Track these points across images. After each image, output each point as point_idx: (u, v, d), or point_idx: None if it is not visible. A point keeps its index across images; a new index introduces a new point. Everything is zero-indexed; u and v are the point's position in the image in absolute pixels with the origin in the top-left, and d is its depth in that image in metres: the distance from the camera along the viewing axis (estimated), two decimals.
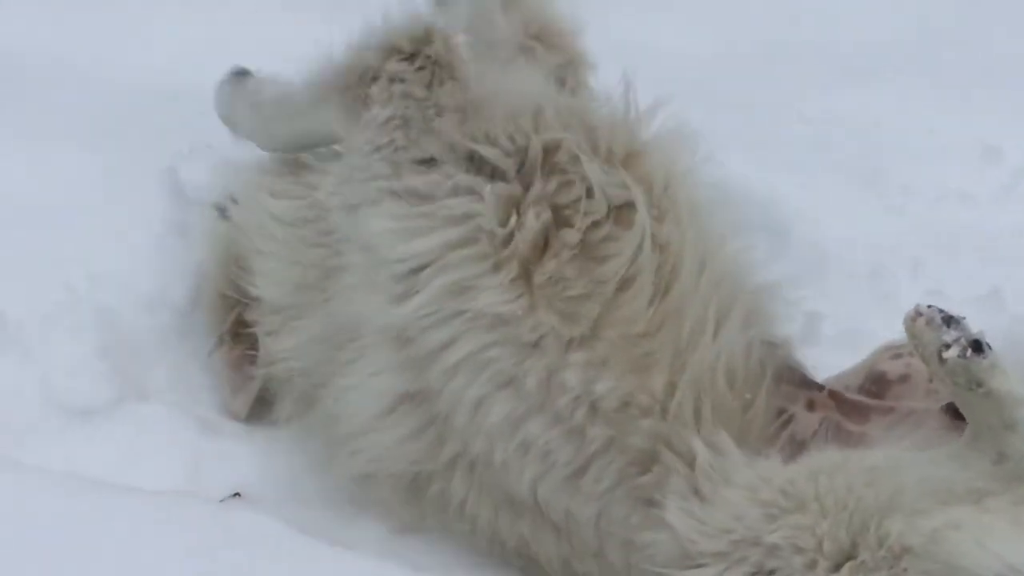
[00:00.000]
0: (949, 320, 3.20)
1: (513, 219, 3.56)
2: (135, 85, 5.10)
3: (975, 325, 3.62)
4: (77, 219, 4.36)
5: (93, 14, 5.68)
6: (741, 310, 3.68)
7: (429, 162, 3.72)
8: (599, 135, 3.71)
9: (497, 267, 3.54)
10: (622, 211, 3.61)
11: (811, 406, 3.63)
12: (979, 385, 3.18)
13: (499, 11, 4.38)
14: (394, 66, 3.83)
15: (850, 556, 3.18)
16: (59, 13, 5.67)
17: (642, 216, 3.59)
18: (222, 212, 4.28)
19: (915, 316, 3.25)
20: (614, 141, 3.72)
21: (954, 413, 3.41)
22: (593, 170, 3.60)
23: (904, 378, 3.68)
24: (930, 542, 3.13)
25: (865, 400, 3.64)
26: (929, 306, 3.25)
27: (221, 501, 3.63)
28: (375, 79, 3.83)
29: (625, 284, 3.55)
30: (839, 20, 6.04)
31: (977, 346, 3.17)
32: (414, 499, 3.73)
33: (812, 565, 3.18)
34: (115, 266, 4.23)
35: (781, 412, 3.65)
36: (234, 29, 5.51)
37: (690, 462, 3.42)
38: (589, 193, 3.60)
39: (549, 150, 3.65)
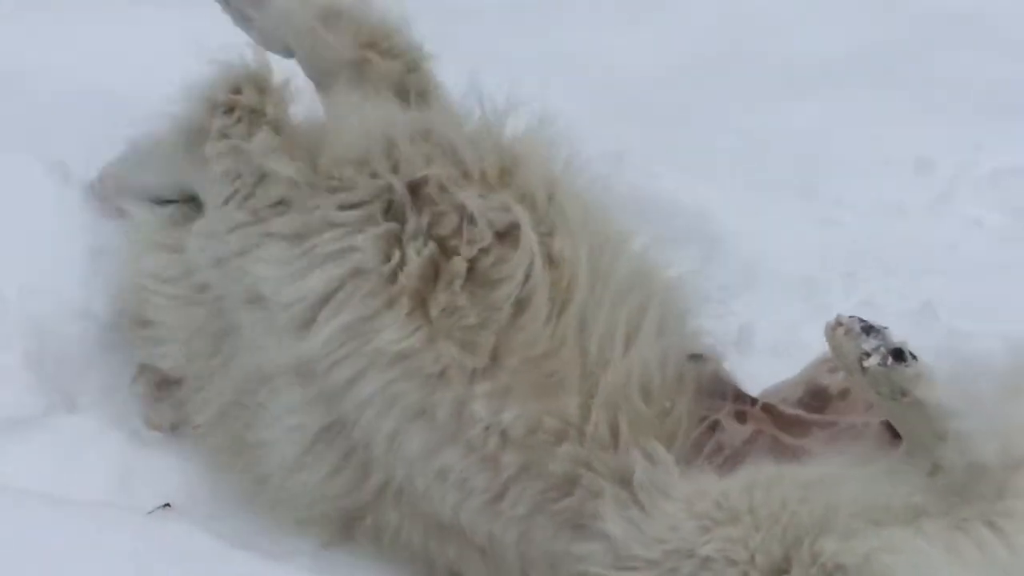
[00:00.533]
0: (869, 329, 3.22)
1: (396, 255, 3.57)
2: (59, 92, 5.06)
3: (907, 336, 3.67)
4: (5, 228, 4.30)
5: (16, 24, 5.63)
6: (654, 317, 3.67)
7: (281, 204, 3.75)
8: (466, 158, 3.70)
9: (390, 303, 3.55)
10: (508, 233, 3.61)
11: (741, 418, 3.62)
12: (903, 394, 3.19)
13: (321, 29, 4.30)
14: (218, 121, 3.84)
15: (782, 571, 3.19)
16: None
17: (527, 235, 3.58)
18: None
19: (835, 326, 3.27)
20: (483, 161, 3.71)
21: (893, 428, 3.43)
22: (469, 198, 3.60)
23: (844, 393, 3.67)
24: (864, 563, 3.14)
25: (803, 414, 3.64)
26: (850, 316, 3.27)
27: (150, 512, 3.59)
28: (206, 137, 3.85)
29: (520, 306, 3.55)
30: (774, 35, 6.09)
31: (899, 354, 3.18)
32: (348, 535, 3.74)
33: (748, 567, 3.22)
34: (44, 276, 4.19)
35: (712, 425, 3.62)
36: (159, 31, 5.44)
37: (619, 479, 3.41)
38: (470, 220, 3.60)
39: (415, 186, 3.65)
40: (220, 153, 3.80)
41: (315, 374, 3.63)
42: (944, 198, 4.97)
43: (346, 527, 3.74)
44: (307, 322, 3.62)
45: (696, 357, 3.70)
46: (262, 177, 3.74)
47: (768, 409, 3.63)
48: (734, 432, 3.58)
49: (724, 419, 3.59)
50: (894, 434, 3.42)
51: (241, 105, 3.83)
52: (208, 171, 3.86)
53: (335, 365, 3.58)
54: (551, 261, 3.60)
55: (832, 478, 3.31)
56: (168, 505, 3.65)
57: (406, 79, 4.25)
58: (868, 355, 3.21)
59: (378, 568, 3.70)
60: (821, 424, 3.59)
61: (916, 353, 3.20)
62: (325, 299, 3.58)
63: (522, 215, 3.59)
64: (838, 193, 4.98)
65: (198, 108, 3.91)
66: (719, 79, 5.71)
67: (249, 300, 3.73)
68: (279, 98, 3.89)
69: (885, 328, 3.25)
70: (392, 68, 4.19)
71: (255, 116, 3.81)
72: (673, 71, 5.78)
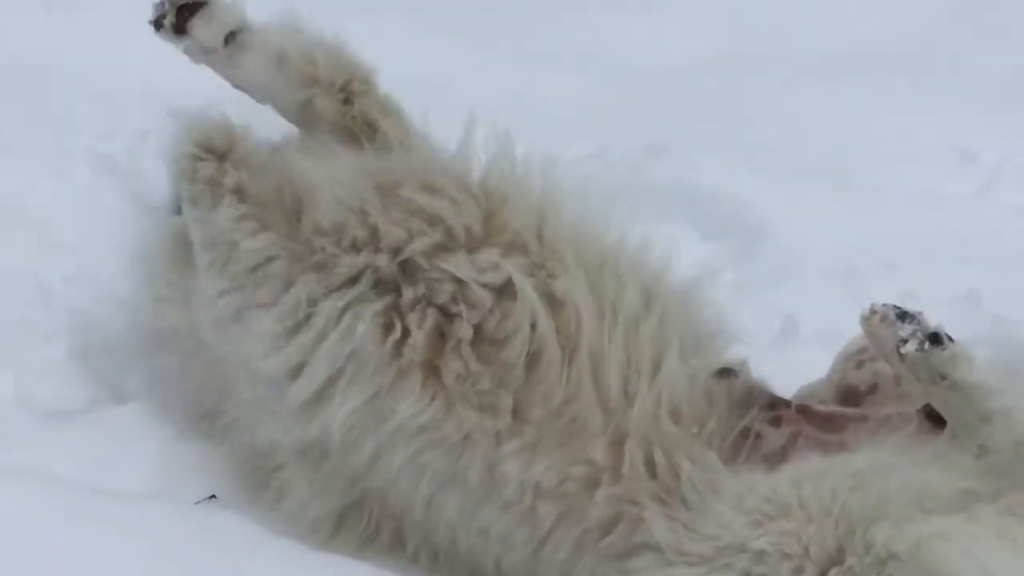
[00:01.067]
0: (904, 315, 3.24)
1: (397, 328, 3.52)
2: (105, 86, 5.16)
3: (950, 325, 3.67)
4: (51, 221, 4.37)
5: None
6: (672, 342, 3.64)
7: (259, 270, 3.68)
8: (446, 218, 3.61)
9: (401, 376, 3.50)
10: (505, 288, 3.56)
11: (776, 423, 3.60)
12: (943, 378, 3.20)
13: (276, 75, 4.18)
14: (184, 188, 3.79)
15: (837, 562, 3.18)
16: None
17: (523, 287, 3.55)
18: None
19: (870, 314, 3.29)
20: (465, 216, 3.63)
21: (930, 414, 3.42)
22: (458, 266, 3.55)
23: (873, 387, 3.69)
24: (916, 550, 3.13)
25: (838, 410, 3.62)
26: (884, 304, 3.29)
27: (197, 503, 3.62)
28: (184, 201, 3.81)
29: (534, 359, 3.53)
30: (811, 26, 6.10)
31: (935, 338, 3.19)
32: None
33: (799, 570, 3.20)
34: (90, 269, 4.23)
35: (746, 433, 3.60)
36: None
37: (660, 500, 3.41)
38: (464, 286, 3.55)
39: (401, 260, 3.59)
40: (193, 220, 3.77)
41: (328, 455, 3.60)
42: (985, 187, 4.98)
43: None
44: (313, 404, 3.57)
45: (724, 372, 3.67)
46: (233, 245, 3.67)
47: (802, 410, 3.62)
48: (772, 437, 3.58)
49: (760, 427, 3.59)
50: (932, 422, 3.42)
51: (200, 174, 3.75)
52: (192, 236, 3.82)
53: (353, 446, 3.57)
54: (554, 304, 3.59)
55: (881, 466, 3.30)
56: (214, 496, 3.66)
57: (346, 116, 4.14)
58: (905, 341, 3.22)
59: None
60: (856, 418, 3.58)
61: (953, 336, 3.21)
62: (332, 380, 3.54)
63: (512, 269, 3.55)
64: (877, 182, 4.99)
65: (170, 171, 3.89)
66: (749, 72, 5.75)
67: (245, 372, 3.68)
68: (240, 156, 3.80)
69: (920, 313, 3.26)
70: (330, 106, 4.09)
71: (215, 186, 3.73)
72: (705, 65, 5.80)
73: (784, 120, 5.31)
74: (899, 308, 3.25)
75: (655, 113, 5.13)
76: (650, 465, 3.44)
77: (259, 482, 3.73)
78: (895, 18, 6.17)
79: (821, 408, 3.60)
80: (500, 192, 3.69)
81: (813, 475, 3.32)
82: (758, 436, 3.53)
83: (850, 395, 3.70)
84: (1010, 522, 3.26)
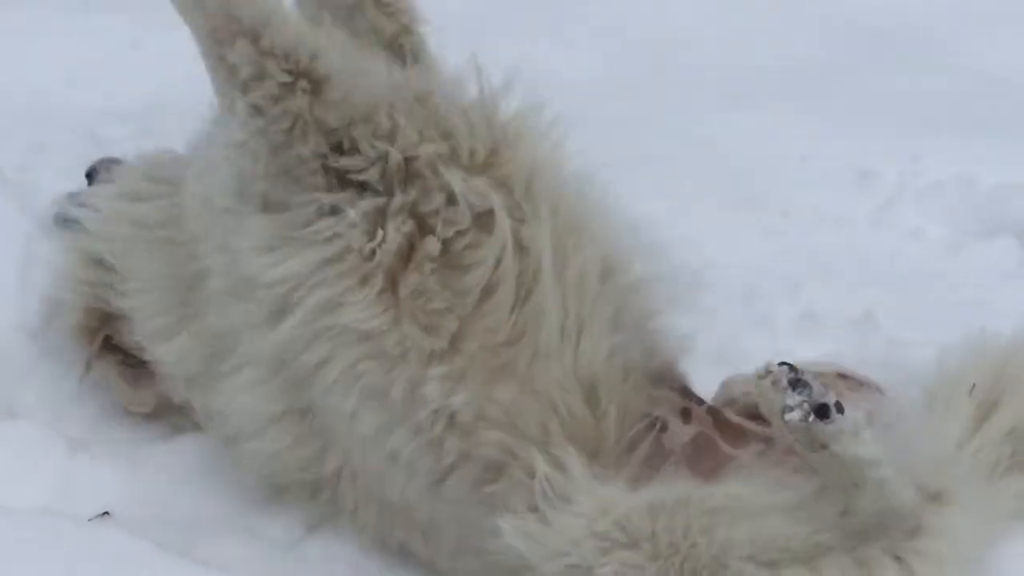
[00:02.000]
0: (796, 383, 3.19)
1: (379, 233, 3.52)
2: None
3: (848, 346, 3.69)
4: None
5: None
6: (606, 313, 3.65)
7: (288, 177, 3.65)
8: (458, 135, 3.64)
9: (364, 281, 3.51)
10: (483, 217, 3.57)
11: (686, 417, 3.61)
12: (822, 447, 3.19)
13: None
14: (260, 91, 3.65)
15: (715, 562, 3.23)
16: None
17: (502, 222, 3.57)
18: (65, 223, 4.24)
19: (763, 375, 3.24)
20: (474, 140, 3.66)
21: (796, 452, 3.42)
22: (455, 179, 3.56)
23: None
24: None
25: (745, 424, 3.61)
26: (781, 363, 3.24)
27: (90, 520, 3.60)
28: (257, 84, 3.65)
29: (487, 293, 3.54)
30: (716, 49, 6.12)
31: (822, 411, 3.16)
32: (312, 501, 3.79)
33: None
34: None
35: (654, 419, 3.61)
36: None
37: (533, 476, 3.44)
38: (451, 201, 3.57)
39: (409, 159, 3.58)
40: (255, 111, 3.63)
41: (283, 362, 3.64)
42: (884, 209, 5.01)
43: (310, 492, 3.79)
44: (279, 308, 3.61)
45: (652, 349, 3.71)
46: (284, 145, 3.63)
47: (713, 413, 3.63)
48: (677, 431, 3.58)
49: (670, 416, 3.59)
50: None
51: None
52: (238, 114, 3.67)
53: (304, 349, 3.58)
54: (520, 248, 3.59)
55: (738, 509, 3.31)
56: (107, 513, 3.65)
57: (402, 39, 4.12)
58: (791, 409, 3.18)
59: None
60: (759, 437, 3.57)
61: (843, 406, 3.20)
62: (301, 283, 3.56)
63: (497, 202, 3.57)
64: (782, 205, 4.99)
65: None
66: (659, 92, 5.73)
67: (231, 259, 3.70)
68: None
69: (814, 380, 3.22)
70: (388, 26, 4.07)
71: (301, 121, 3.64)
72: (614, 84, 5.81)
73: (694, 143, 5.32)
74: (793, 374, 3.21)
75: (586, 137, 5.12)
76: (544, 430, 3.49)
77: (214, 366, 3.79)
78: (800, 46, 6.24)
79: (732, 418, 3.61)
80: (513, 134, 3.71)
81: (671, 506, 3.31)
82: (663, 427, 3.55)
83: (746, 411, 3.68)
84: (857, 573, 3.31)
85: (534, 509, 3.36)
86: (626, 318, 3.72)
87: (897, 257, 4.75)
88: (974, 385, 3.80)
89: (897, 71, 5.92)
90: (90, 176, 4.56)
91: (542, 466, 3.41)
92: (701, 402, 3.68)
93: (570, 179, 3.84)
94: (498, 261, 3.55)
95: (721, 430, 3.60)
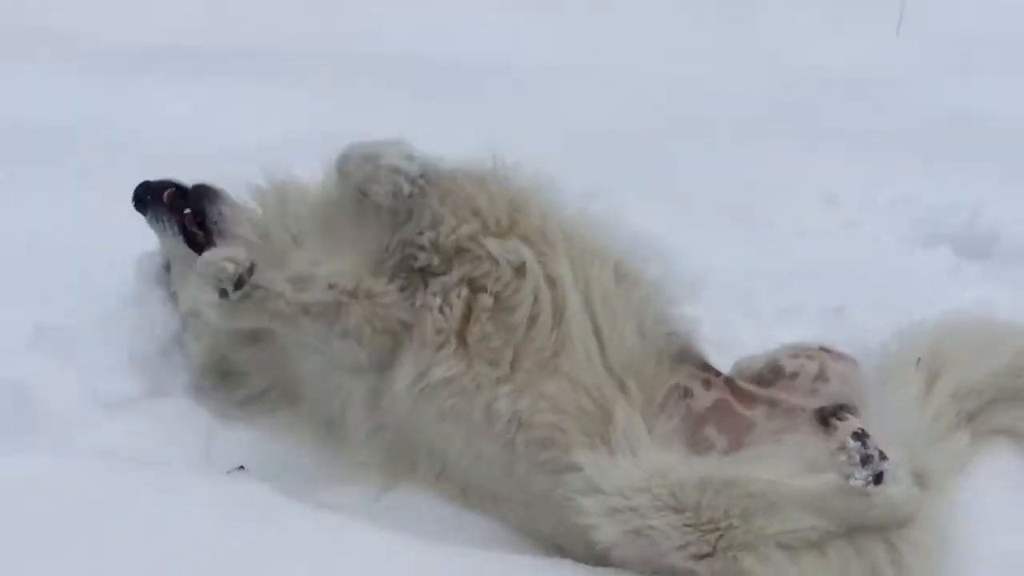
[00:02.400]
0: (865, 459, 3.16)
1: (446, 308, 3.63)
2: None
3: (824, 333, 3.70)
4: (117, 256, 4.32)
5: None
6: (629, 309, 3.69)
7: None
8: (484, 212, 3.71)
9: (441, 346, 3.61)
10: (520, 267, 3.64)
11: (707, 385, 3.60)
12: (866, 496, 3.16)
13: None
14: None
15: (704, 557, 3.24)
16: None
17: (533, 269, 3.62)
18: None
19: (838, 447, 3.20)
20: (498, 211, 3.72)
21: (822, 418, 3.40)
22: (492, 246, 3.64)
23: (794, 375, 3.65)
24: None
25: (755, 390, 3.61)
26: (857, 435, 3.20)
27: (228, 473, 3.62)
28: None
29: (531, 323, 3.60)
30: (719, 98, 6.12)
31: (879, 478, 3.14)
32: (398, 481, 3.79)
33: (673, 553, 3.26)
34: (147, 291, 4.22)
35: (682, 389, 3.61)
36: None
37: (590, 437, 3.49)
38: (493, 262, 3.64)
39: (456, 239, 3.66)
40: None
41: (384, 408, 3.73)
42: (849, 224, 5.02)
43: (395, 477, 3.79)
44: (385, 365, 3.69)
45: (673, 333, 3.72)
46: None
47: (729, 382, 3.62)
48: (701, 397, 3.58)
49: (694, 385, 3.60)
50: (820, 424, 3.40)
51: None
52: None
53: (404, 406, 3.65)
54: (550, 282, 3.64)
55: (773, 497, 3.26)
56: (243, 467, 3.66)
57: None
58: (856, 479, 3.16)
59: (418, 515, 3.68)
60: (766, 400, 3.56)
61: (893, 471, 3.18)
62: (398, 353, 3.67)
63: (528, 254, 3.63)
64: (769, 220, 5.00)
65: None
66: (674, 132, 5.71)
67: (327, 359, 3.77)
68: None
69: (874, 450, 3.18)
70: None
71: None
72: (636, 126, 5.79)
73: (697, 171, 5.31)
74: (864, 450, 3.17)
75: (595, 165, 5.15)
76: (598, 406, 3.52)
77: (326, 432, 3.84)
78: (779, 95, 6.25)
79: (743, 385, 3.60)
80: (522, 198, 3.75)
81: (717, 485, 3.28)
82: (688, 392, 3.56)
83: (775, 370, 3.69)
84: (855, 562, 3.27)
85: (604, 444, 3.44)
86: (645, 312, 3.72)
87: (861, 261, 4.75)
88: (919, 359, 3.75)
89: (856, 113, 5.94)
90: (140, 202, 4.22)
91: (621, 417, 3.48)
92: (718, 373, 3.67)
93: (574, 215, 3.86)
94: (535, 297, 3.62)
95: (735, 395, 3.58)
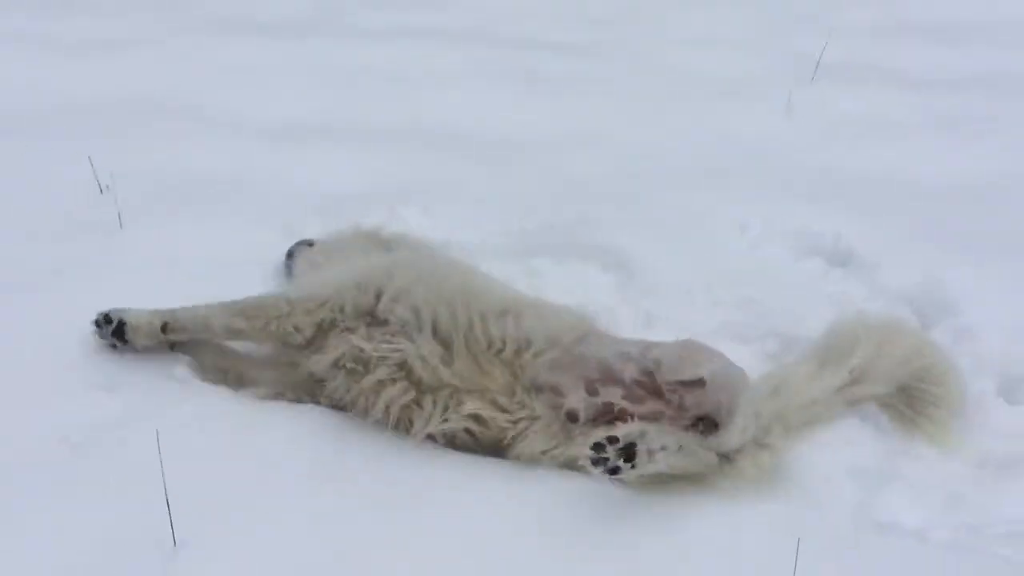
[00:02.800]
0: (596, 461, 2.96)
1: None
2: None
3: (736, 323, 3.96)
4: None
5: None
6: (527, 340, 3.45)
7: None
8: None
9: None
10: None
11: (592, 394, 3.34)
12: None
13: None
14: None
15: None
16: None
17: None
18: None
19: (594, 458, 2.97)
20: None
21: (696, 426, 3.31)
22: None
23: (664, 364, 3.37)
24: None
25: (638, 408, 3.31)
26: (593, 444, 2.98)
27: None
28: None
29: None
30: (663, 155, 6.09)
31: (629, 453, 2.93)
32: None
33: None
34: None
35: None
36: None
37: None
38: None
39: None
40: None
41: None
42: (755, 244, 5.04)
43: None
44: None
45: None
46: None
47: (611, 402, 3.32)
48: (591, 411, 3.34)
49: (579, 408, 3.33)
50: (696, 430, 3.29)
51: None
52: None
53: None
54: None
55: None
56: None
57: None
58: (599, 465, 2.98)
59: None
60: (654, 413, 3.30)
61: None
62: None
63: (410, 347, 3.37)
64: (701, 241, 4.99)
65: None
66: (650, 176, 5.74)
67: None
68: None
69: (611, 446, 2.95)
70: None
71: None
72: (613, 170, 5.82)
73: (658, 211, 5.29)
74: (595, 453, 2.96)
75: (584, 202, 5.21)
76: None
77: None
78: (703, 152, 6.20)
79: (633, 410, 3.30)
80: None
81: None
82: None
83: (660, 363, 3.36)
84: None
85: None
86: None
87: (763, 269, 4.79)
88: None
89: (757, 169, 5.94)
90: (289, 255, 4.27)
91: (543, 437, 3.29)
92: (604, 384, 3.34)
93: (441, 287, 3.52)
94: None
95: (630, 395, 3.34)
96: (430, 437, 3.34)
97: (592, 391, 3.33)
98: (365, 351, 3.38)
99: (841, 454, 3.43)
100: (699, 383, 3.28)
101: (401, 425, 3.34)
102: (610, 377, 3.35)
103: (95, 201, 4.92)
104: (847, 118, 6.72)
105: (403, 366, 3.34)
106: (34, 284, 4.11)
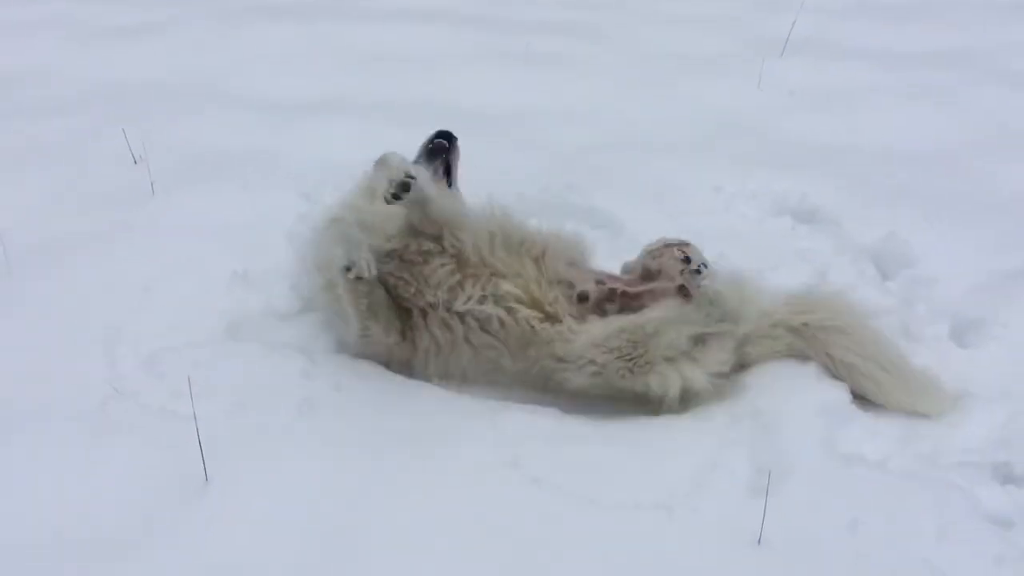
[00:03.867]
0: (697, 270, 3.38)
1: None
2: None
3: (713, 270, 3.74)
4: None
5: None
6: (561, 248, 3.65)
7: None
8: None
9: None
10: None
11: (599, 288, 3.57)
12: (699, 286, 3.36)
13: None
14: None
15: (631, 372, 3.32)
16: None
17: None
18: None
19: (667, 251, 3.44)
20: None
21: (682, 291, 3.47)
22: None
23: (658, 271, 3.60)
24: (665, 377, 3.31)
25: (641, 287, 3.59)
26: (667, 244, 3.46)
27: None
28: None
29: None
30: (648, 128, 6.10)
31: (699, 270, 3.41)
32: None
33: (618, 375, 3.32)
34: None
35: (580, 292, 3.55)
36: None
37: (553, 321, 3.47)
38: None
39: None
40: None
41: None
42: (728, 204, 5.05)
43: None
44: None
45: (582, 295, 3.60)
46: None
47: (623, 293, 3.57)
48: (598, 293, 3.56)
49: (591, 290, 3.57)
50: (680, 295, 3.47)
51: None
52: None
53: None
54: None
55: (656, 329, 3.33)
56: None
57: None
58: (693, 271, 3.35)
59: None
60: (648, 290, 3.58)
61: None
62: None
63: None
64: (678, 203, 5.01)
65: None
66: (626, 148, 5.71)
67: None
68: None
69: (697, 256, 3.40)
70: None
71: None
72: (601, 143, 5.81)
73: (641, 177, 5.30)
74: (684, 255, 3.38)
75: (572, 172, 5.25)
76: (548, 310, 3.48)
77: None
78: (684, 124, 6.20)
79: (630, 290, 3.56)
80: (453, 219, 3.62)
81: (630, 329, 3.35)
82: (585, 295, 3.54)
83: (648, 274, 3.65)
84: (716, 350, 3.41)
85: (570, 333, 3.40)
86: (549, 256, 3.62)
87: (736, 227, 4.81)
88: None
89: (732, 138, 5.93)
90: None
91: (568, 321, 3.45)
92: (603, 282, 3.60)
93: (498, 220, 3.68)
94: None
95: (631, 297, 3.56)
96: (465, 318, 3.43)
97: (599, 281, 3.57)
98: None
99: (809, 395, 3.47)
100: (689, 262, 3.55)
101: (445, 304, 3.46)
102: (612, 277, 3.66)
103: (130, 171, 5.04)
104: (813, 90, 6.71)
105: (455, 254, 3.51)
106: (80, 246, 4.24)
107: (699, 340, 3.39)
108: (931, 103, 6.34)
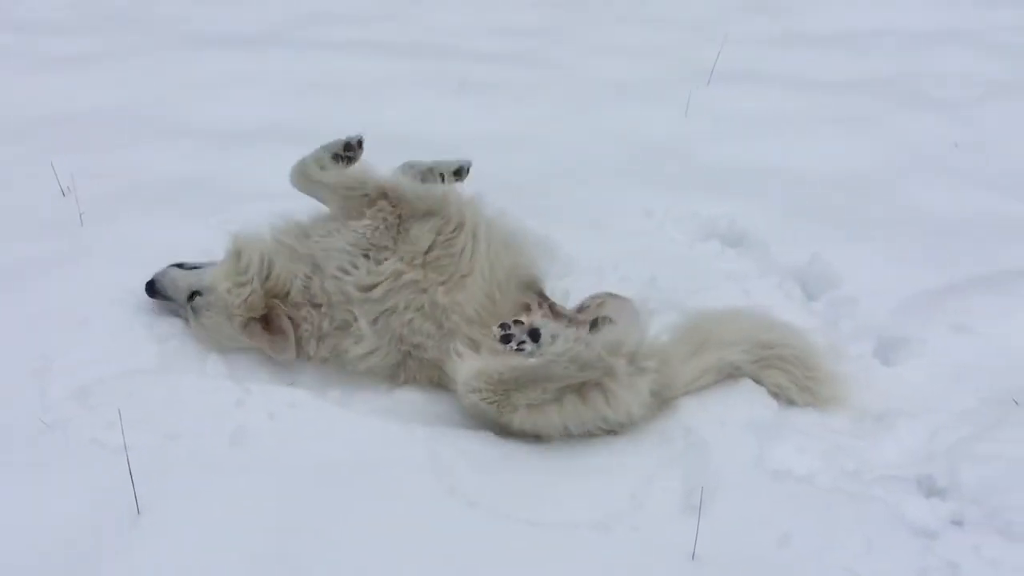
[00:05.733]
0: (506, 338, 3.24)
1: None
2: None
3: (642, 296, 3.89)
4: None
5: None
6: (508, 264, 3.74)
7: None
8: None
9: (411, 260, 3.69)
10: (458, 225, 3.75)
11: (542, 306, 3.71)
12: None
13: None
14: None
15: (504, 412, 3.25)
16: None
17: (466, 227, 3.72)
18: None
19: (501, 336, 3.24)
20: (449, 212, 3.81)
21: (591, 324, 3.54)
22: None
23: (585, 307, 3.78)
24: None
25: (564, 311, 3.75)
26: (501, 324, 3.28)
27: None
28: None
29: (460, 254, 3.70)
30: (586, 153, 6.08)
31: (535, 335, 3.23)
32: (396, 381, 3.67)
33: (491, 410, 3.27)
34: None
35: (524, 304, 3.68)
36: None
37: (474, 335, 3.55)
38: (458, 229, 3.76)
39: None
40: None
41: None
42: (659, 227, 5.05)
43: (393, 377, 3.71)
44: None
45: (530, 281, 3.80)
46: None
47: (551, 305, 3.75)
48: (535, 310, 3.67)
49: (532, 303, 3.71)
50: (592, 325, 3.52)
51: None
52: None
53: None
54: (472, 237, 3.72)
55: (531, 373, 3.20)
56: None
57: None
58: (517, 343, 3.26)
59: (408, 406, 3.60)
60: (568, 315, 3.71)
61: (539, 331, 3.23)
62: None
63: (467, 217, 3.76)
64: (613, 226, 5.01)
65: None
66: (557, 175, 5.69)
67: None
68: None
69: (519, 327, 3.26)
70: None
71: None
72: (539, 170, 5.78)
73: (575, 201, 5.30)
74: (503, 331, 3.24)
75: (507, 197, 5.12)
76: (480, 315, 3.58)
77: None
78: (618, 151, 6.19)
79: (558, 308, 3.74)
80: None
81: (507, 372, 3.22)
82: (527, 306, 3.66)
83: (583, 308, 3.81)
84: (577, 401, 3.28)
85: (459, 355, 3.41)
86: (515, 263, 3.77)
87: (665, 251, 4.82)
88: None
89: (651, 163, 5.93)
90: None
91: (458, 346, 3.46)
92: (546, 300, 3.76)
93: (491, 216, 3.85)
94: (464, 243, 3.71)
95: (553, 312, 3.71)
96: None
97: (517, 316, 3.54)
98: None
99: (739, 411, 3.49)
100: (598, 298, 3.77)
101: None
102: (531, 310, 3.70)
103: (58, 201, 4.91)
104: (739, 117, 6.79)
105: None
106: (5, 279, 4.12)
107: (574, 388, 3.24)
108: (854, 129, 6.44)
